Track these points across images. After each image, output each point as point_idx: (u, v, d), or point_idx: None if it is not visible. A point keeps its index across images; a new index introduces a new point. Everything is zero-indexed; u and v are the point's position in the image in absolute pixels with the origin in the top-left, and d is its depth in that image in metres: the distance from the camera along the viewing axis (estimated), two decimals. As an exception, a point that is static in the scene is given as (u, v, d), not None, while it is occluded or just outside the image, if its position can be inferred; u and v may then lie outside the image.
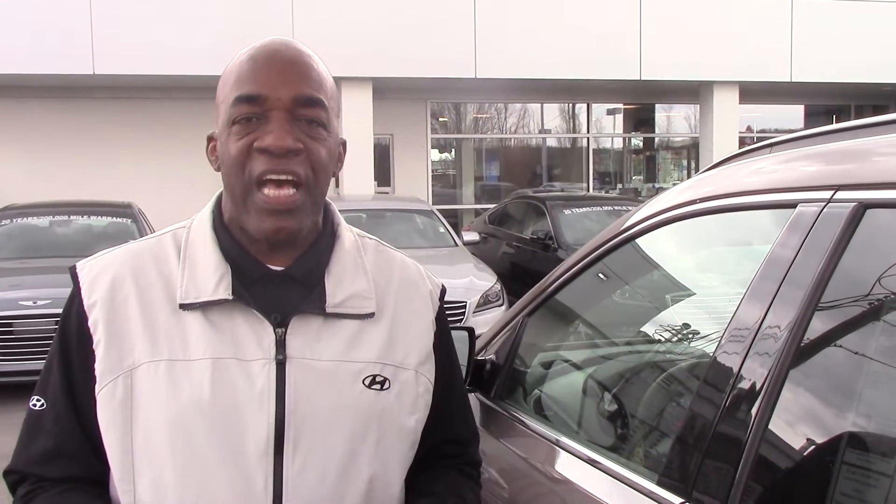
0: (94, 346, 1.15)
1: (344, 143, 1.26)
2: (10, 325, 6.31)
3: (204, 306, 1.15)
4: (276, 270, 1.19)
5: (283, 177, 1.12)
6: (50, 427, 1.17)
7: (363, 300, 1.22)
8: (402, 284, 1.29)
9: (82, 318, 1.17)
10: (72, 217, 8.44)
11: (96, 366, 1.15)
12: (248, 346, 1.15)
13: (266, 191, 1.12)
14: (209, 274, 1.17)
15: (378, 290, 1.24)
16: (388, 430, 1.21)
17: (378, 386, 1.19)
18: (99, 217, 8.50)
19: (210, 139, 1.22)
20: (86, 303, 1.17)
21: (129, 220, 8.35)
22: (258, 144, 1.12)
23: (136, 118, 14.00)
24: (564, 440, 1.77)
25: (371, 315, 1.22)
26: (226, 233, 1.20)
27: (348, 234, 1.28)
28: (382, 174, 15.11)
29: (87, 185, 12.73)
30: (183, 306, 1.16)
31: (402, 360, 1.23)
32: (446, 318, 1.35)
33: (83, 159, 13.72)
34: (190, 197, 12.40)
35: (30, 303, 6.35)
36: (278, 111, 1.13)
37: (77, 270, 1.20)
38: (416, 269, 1.33)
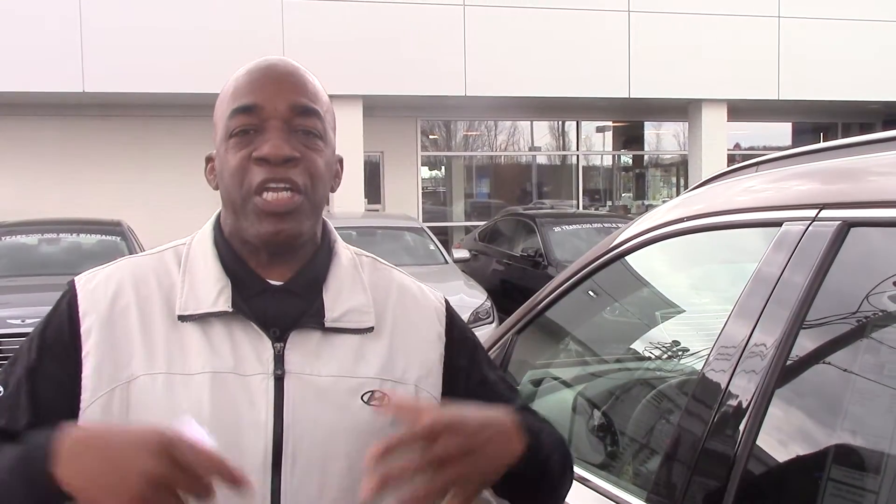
0: (82, 356, 1.13)
1: (341, 160, 1.27)
2: (-3, 343, 6.26)
3: (203, 318, 1.15)
4: (276, 285, 1.19)
5: (281, 185, 1.13)
6: (5, 412, 1.12)
7: (362, 314, 1.21)
8: (401, 300, 1.28)
9: (75, 323, 1.15)
10: (61, 235, 8.37)
11: (86, 377, 1.13)
12: (247, 361, 1.14)
13: (265, 195, 1.13)
14: (209, 286, 1.17)
15: (376, 306, 1.24)
16: None
17: (377, 402, 1.18)
18: (88, 235, 8.45)
19: (208, 160, 1.23)
20: (81, 309, 1.15)
21: (119, 238, 8.30)
22: (256, 154, 1.13)
23: (126, 136, 13.98)
24: (554, 458, 1.77)
25: (370, 329, 1.21)
26: (227, 247, 1.21)
27: (345, 251, 1.28)
28: (373, 191, 15.12)
29: (76, 202, 12.67)
30: (182, 318, 1.15)
31: (401, 375, 1.22)
32: (461, 326, 1.32)
33: (73, 177, 13.69)
34: (180, 214, 12.42)
35: (18, 321, 6.30)
36: (275, 120, 1.14)
37: (75, 282, 1.19)
38: (414, 285, 1.32)
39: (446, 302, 1.34)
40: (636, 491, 1.47)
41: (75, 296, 1.17)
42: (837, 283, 1.21)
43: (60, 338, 1.15)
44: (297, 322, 1.18)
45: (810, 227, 1.26)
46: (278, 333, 1.16)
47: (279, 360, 1.15)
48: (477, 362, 1.31)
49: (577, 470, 1.66)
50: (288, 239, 1.16)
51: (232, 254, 1.20)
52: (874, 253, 1.20)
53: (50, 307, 1.20)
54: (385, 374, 1.20)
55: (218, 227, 1.24)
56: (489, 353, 2.18)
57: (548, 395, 2.18)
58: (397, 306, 1.27)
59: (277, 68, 1.18)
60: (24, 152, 13.64)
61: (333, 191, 1.25)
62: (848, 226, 1.21)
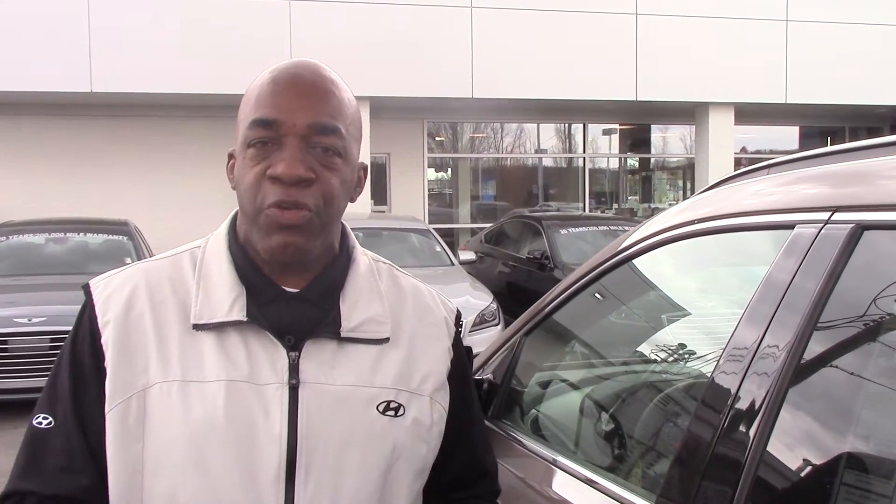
0: (105, 364, 1.13)
1: (365, 168, 1.25)
2: (4, 342, 6.28)
3: (218, 327, 1.14)
4: (291, 292, 1.18)
5: (293, 207, 1.12)
6: (61, 446, 1.14)
7: (378, 324, 1.20)
8: (417, 310, 1.27)
9: (95, 335, 1.15)
10: (68, 234, 8.42)
11: (107, 384, 1.13)
12: (261, 370, 1.13)
13: (276, 208, 1.12)
14: (224, 295, 1.16)
15: (393, 316, 1.23)
16: (401, 457, 1.18)
17: (392, 412, 1.17)
18: (95, 234, 8.48)
19: (231, 156, 1.22)
20: (99, 321, 1.15)
21: (126, 238, 8.33)
22: (270, 172, 1.12)
23: (134, 136, 14.01)
24: (562, 460, 1.76)
25: (386, 340, 1.20)
26: (241, 253, 1.20)
27: (363, 257, 1.27)
28: (379, 193, 15.14)
29: (83, 202, 12.71)
30: (196, 327, 1.14)
31: (417, 386, 1.21)
32: (462, 344, 1.33)
33: (80, 177, 13.72)
34: (187, 214, 12.45)
35: (25, 320, 6.32)
36: (293, 137, 1.12)
37: (91, 288, 1.19)
38: (430, 295, 1.31)
39: (457, 315, 1.33)
40: (645, 494, 1.46)
41: (93, 307, 1.17)
42: (850, 286, 1.20)
43: (88, 355, 1.16)
44: (313, 331, 1.17)
45: (823, 230, 1.25)
46: (293, 342, 1.15)
47: (294, 369, 1.14)
48: (463, 388, 1.31)
49: (584, 472, 1.66)
50: (296, 254, 1.15)
51: (247, 260, 1.19)
52: (888, 256, 1.19)
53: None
54: (401, 384, 1.19)
55: (233, 230, 1.23)
56: (496, 355, 2.18)
57: (555, 397, 2.17)
58: (414, 316, 1.26)
59: (303, 79, 1.15)
60: (31, 152, 13.68)
61: (353, 200, 1.23)
62: (861, 229, 1.20)
